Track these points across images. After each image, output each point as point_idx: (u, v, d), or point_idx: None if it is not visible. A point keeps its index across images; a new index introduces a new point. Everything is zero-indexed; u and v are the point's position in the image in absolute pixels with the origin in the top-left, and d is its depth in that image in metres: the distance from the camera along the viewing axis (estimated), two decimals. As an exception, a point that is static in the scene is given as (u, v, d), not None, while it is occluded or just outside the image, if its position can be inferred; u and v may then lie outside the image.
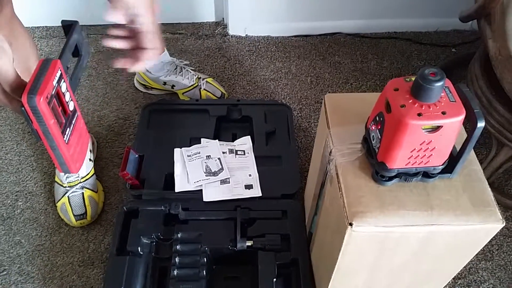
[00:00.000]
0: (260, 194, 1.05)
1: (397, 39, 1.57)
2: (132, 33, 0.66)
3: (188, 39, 1.56)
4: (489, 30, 0.97)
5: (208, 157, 1.12)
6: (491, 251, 1.06)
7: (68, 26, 0.64)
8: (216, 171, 1.09)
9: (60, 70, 0.57)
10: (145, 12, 0.63)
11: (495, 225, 0.63)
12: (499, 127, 1.04)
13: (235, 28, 1.58)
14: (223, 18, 1.62)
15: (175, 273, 0.91)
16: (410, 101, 0.57)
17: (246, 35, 1.59)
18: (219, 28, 1.60)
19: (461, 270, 1.01)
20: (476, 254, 1.04)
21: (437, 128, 0.57)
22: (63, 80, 0.59)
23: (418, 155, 0.60)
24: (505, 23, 0.95)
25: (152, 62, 1.26)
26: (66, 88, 0.60)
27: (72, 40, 0.63)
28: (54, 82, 0.56)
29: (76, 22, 0.65)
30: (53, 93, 0.55)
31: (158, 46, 0.65)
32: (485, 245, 1.05)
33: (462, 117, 0.57)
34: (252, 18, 1.54)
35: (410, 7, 1.53)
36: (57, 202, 1.10)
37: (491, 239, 1.06)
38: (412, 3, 1.52)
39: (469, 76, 1.14)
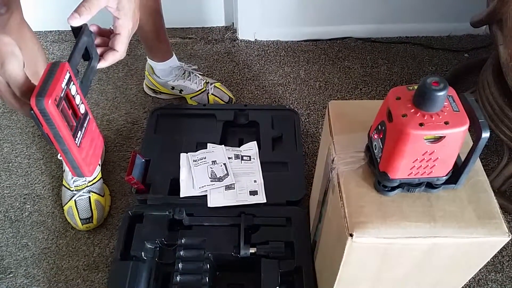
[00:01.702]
0: (265, 201, 1.04)
1: (408, 44, 1.55)
2: (105, 32, 0.66)
3: (198, 44, 1.57)
4: (501, 35, 0.95)
5: (214, 162, 1.12)
6: (502, 262, 1.03)
7: (78, 29, 0.64)
8: (221, 176, 1.09)
9: (69, 73, 0.57)
10: (128, 16, 0.63)
11: (500, 238, 0.61)
12: (510, 135, 1.02)
13: (245, 33, 1.58)
14: (233, 23, 1.62)
15: (177, 279, 0.91)
16: (412, 111, 0.55)
17: (256, 39, 1.58)
18: (229, 32, 1.61)
19: (469, 281, 0.99)
20: (486, 265, 1.02)
21: (439, 138, 0.55)
22: (72, 83, 0.58)
23: (421, 166, 0.59)
24: (517, 29, 0.93)
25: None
26: (76, 91, 0.60)
27: (81, 43, 0.63)
28: (63, 85, 0.56)
29: (85, 24, 0.65)
30: (62, 95, 0.55)
31: (123, 51, 0.65)
32: (495, 256, 1.04)
33: (465, 127, 0.55)
34: (262, 23, 1.54)
35: (422, 12, 1.51)
36: (64, 206, 1.11)
37: (502, 250, 1.05)
38: (424, 8, 1.50)
39: (481, 82, 1.11)
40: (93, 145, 0.66)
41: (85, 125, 0.62)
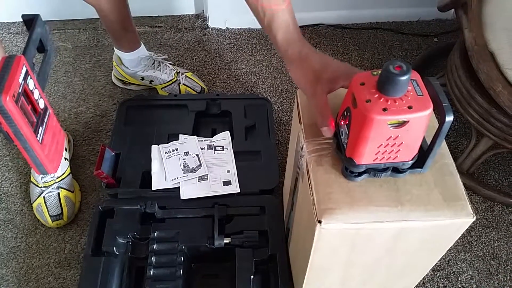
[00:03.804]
0: (239, 190, 1.04)
1: (378, 30, 1.56)
2: None
3: (168, 32, 1.54)
4: (466, 19, 0.96)
5: (186, 153, 1.11)
6: (470, 242, 1.06)
7: (29, 21, 0.61)
8: (194, 167, 1.08)
9: (26, 66, 0.55)
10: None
11: (466, 219, 0.62)
12: (478, 118, 1.04)
13: (215, 21, 1.55)
14: (203, 10, 1.59)
15: (151, 273, 0.90)
16: (375, 96, 0.55)
17: (227, 27, 1.56)
18: (199, 20, 1.58)
19: (440, 262, 1.01)
20: (455, 246, 1.04)
21: (403, 123, 0.55)
22: (29, 77, 0.56)
23: (386, 151, 0.59)
24: (481, 12, 0.94)
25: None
26: (34, 85, 0.58)
27: (35, 34, 0.60)
28: (20, 79, 0.54)
29: (37, 15, 0.62)
30: (20, 91, 0.53)
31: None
32: (464, 237, 1.07)
33: (429, 111, 0.56)
34: (233, 10, 1.52)
35: (391, -3, 1.52)
36: (32, 203, 1.08)
37: (470, 230, 1.08)
38: (394, -7, 1.51)
39: (449, 66, 1.13)
40: (55, 141, 0.64)
41: (45, 120, 0.60)
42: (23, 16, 0.62)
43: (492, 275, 1.02)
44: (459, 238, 1.05)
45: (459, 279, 1.00)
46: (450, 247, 0.88)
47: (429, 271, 1.00)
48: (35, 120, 0.58)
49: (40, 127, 0.59)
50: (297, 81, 0.70)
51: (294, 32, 0.70)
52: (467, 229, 1.06)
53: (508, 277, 1.01)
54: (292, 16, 0.71)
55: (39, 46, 0.62)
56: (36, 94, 0.59)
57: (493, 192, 1.13)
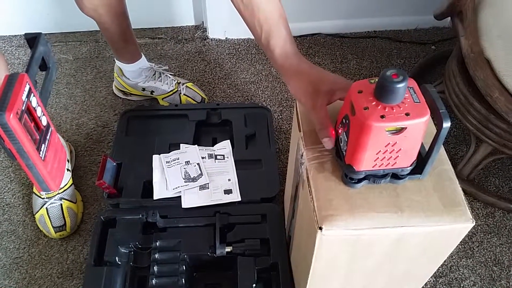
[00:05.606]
0: (240, 199, 1.04)
1: (376, 38, 1.57)
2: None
3: (168, 44, 1.55)
4: (462, 27, 0.97)
5: (187, 162, 1.11)
6: (472, 248, 1.06)
7: (32, 39, 0.62)
8: (195, 176, 1.08)
9: (29, 84, 0.56)
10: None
11: (465, 224, 0.63)
12: (476, 124, 1.04)
13: (215, 31, 1.57)
14: (203, 22, 1.61)
15: (153, 283, 0.90)
16: (373, 103, 0.56)
17: (226, 38, 1.58)
18: (199, 31, 1.60)
19: (442, 268, 1.01)
20: (457, 252, 1.05)
21: (401, 130, 0.56)
22: (32, 95, 0.57)
23: (384, 157, 0.59)
24: (477, 20, 0.96)
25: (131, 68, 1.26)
26: (37, 103, 0.58)
27: (38, 53, 0.61)
28: (23, 97, 0.54)
29: (40, 34, 0.63)
30: (23, 108, 0.54)
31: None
32: (465, 243, 1.07)
33: (426, 118, 0.56)
34: (232, 21, 1.53)
35: (389, 6, 1.54)
36: (35, 214, 1.09)
37: (471, 236, 1.08)
38: (391, 2, 1.52)
39: (447, 73, 1.14)
40: (57, 158, 0.64)
41: (48, 137, 0.61)
42: (25, 34, 0.63)
43: (494, 281, 1.01)
44: (461, 244, 1.06)
45: (462, 285, 1.00)
46: (452, 253, 0.88)
47: (431, 277, 1.00)
48: (38, 137, 0.59)
49: (43, 144, 0.60)
50: (296, 94, 0.70)
51: (291, 47, 0.71)
52: (469, 235, 1.07)
53: (511, 283, 1.01)
54: (288, 30, 0.72)
55: (41, 64, 0.62)
56: (39, 112, 0.59)
57: (493, 198, 1.13)
